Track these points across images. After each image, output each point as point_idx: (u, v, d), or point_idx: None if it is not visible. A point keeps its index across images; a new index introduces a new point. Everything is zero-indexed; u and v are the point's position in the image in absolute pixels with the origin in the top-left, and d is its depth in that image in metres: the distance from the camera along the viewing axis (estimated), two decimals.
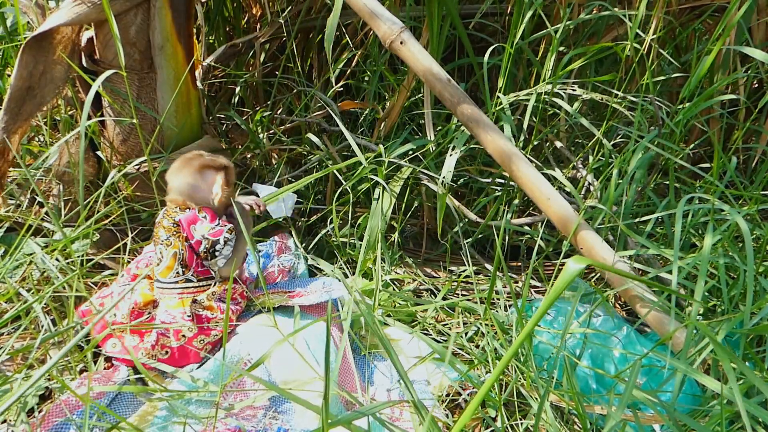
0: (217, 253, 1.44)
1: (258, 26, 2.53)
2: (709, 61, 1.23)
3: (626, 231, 1.16)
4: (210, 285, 1.48)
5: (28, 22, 1.85)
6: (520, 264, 1.96)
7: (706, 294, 1.30)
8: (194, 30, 1.94)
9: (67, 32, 1.72)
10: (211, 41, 2.55)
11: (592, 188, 1.66)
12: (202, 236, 1.43)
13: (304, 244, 1.89)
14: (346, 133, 1.65)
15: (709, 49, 1.26)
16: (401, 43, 1.36)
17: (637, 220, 1.35)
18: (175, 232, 1.44)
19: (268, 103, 2.33)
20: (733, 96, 1.50)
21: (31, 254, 1.50)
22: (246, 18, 2.62)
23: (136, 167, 1.82)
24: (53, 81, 1.71)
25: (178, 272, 1.44)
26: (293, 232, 1.90)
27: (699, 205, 1.10)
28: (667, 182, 1.47)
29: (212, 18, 2.50)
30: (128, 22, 1.72)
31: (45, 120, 2.00)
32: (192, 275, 1.45)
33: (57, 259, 1.49)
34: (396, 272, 1.85)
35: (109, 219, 1.77)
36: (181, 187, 1.47)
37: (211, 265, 1.48)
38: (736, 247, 1.20)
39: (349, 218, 1.83)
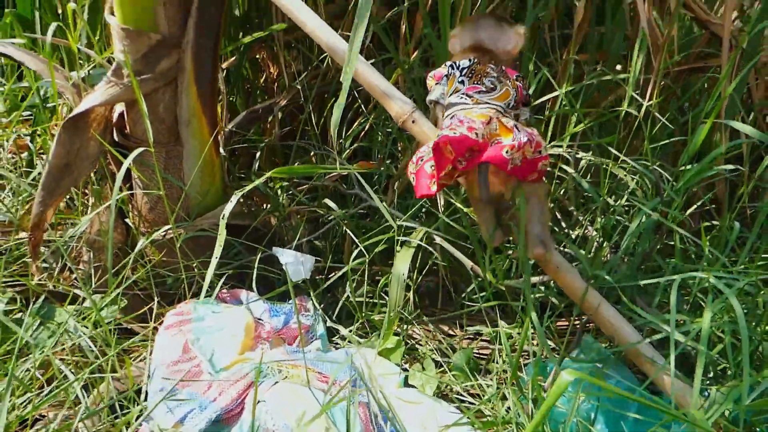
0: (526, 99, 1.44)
1: (275, 85, 2.65)
2: (703, 133, 1.30)
3: (630, 305, 1.21)
4: None
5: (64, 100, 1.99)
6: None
7: (716, 357, 1.34)
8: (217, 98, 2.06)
9: (101, 111, 1.85)
10: (231, 100, 2.68)
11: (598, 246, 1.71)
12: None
13: (322, 305, 1.95)
14: (375, 199, 1.72)
15: (702, 121, 1.34)
16: (413, 122, 1.45)
17: (639, 282, 1.40)
18: (505, 77, 1.40)
19: (287, 165, 2.43)
20: (731, 166, 1.56)
21: (62, 323, 1.58)
22: (264, 77, 2.75)
23: (162, 234, 1.92)
24: (88, 157, 1.83)
25: (509, 103, 1.38)
26: (311, 293, 1.96)
27: (698, 275, 1.15)
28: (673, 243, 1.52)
29: (232, 79, 2.63)
30: (157, 100, 1.85)
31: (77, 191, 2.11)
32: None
33: (86, 327, 1.56)
34: (414, 331, 1.90)
35: (136, 284, 1.85)
36: (490, 41, 1.44)
37: (521, 113, 1.44)
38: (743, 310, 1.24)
39: (365, 278, 1.89)
